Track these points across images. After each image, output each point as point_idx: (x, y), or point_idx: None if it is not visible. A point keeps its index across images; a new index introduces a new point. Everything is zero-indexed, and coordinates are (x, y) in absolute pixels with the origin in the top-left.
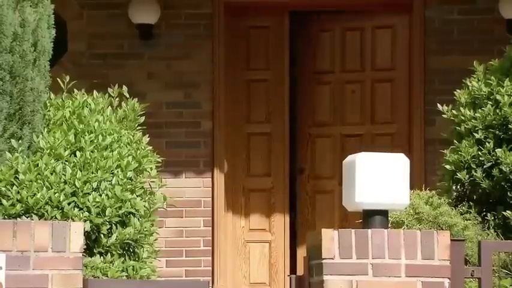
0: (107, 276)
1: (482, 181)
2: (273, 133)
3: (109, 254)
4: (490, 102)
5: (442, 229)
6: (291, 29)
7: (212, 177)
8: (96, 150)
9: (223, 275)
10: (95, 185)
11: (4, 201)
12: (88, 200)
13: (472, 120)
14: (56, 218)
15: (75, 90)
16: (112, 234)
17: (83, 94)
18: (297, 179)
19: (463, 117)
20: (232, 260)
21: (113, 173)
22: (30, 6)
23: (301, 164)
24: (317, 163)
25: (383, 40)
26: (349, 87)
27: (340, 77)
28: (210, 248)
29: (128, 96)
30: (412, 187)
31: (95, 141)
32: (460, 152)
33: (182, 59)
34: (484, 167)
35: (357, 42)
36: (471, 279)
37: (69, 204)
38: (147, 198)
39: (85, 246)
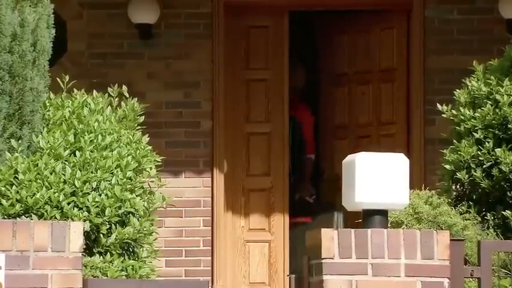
0: (107, 276)
1: (481, 181)
2: (272, 133)
3: (108, 253)
4: (490, 102)
5: (442, 229)
6: (304, 30)
7: (212, 177)
8: (95, 150)
9: (222, 275)
10: (94, 184)
11: (3, 201)
12: (87, 199)
13: (472, 120)
14: (55, 217)
15: (74, 90)
16: (111, 233)
17: (83, 94)
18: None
19: (462, 117)
20: (231, 260)
21: (112, 173)
22: (30, 6)
23: (323, 166)
24: (336, 165)
25: (383, 40)
26: (360, 89)
27: (353, 78)
28: (210, 247)
29: (127, 96)
30: (411, 187)
31: (95, 141)
32: (459, 152)
33: (182, 58)
34: (484, 166)
35: (361, 43)
36: (471, 279)
37: (68, 204)
38: (146, 198)
39: (84, 246)
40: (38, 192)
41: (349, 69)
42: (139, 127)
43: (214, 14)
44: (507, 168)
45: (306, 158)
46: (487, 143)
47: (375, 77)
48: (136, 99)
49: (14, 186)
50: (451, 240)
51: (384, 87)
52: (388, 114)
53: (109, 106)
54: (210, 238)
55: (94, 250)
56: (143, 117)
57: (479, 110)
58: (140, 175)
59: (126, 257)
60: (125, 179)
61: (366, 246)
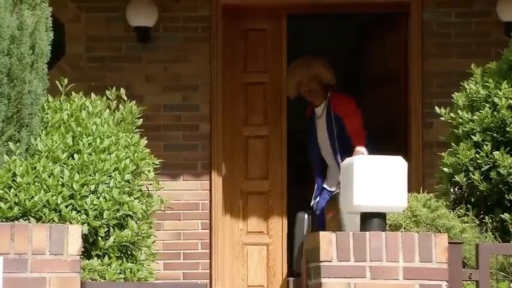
0: (105, 279)
1: (479, 184)
2: (270, 136)
3: (107, 256)
4: (488, 105)
5: (440, 232)
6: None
7: (210, 180)
8: (94, 153)
9: (221, 278)
10: (92, 187)
11: (2, 204)
12: (86, 202)
13: (470, 123)
14: (53, 220)
15: (73, 92)
16: (110, 236)
17: (81, 97)
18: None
19: (460, 120)
20: (230, 263)
21: (110, 176)
22: (28, 9)
23: None
24: None
25: (382, 43)
26: (369, 92)
27: (362, 81)
28: (208, 250)
29: (125, 98)
30: (409, 190)
31: (93, 143)
32: (457, 155)
33: (180, 61)
34: (482, 169)
35: (365, 45)
36: (469, 281)
37: (66, 207)
38: (144, 200)
39: (83, 249)
40: (36, 195)
41: (361, 73)
42: (137, 130)
43: (213, 17)
44: (505, 171)
45: (354, 151)
46: (485, 146)
47: (377, 80)
48: (134, 102)
49: (12, 189)
50: (449, 243)
51: (385, 90)
52: (387, 116)
53: (107, 109)
54: (208, 241)
55: (92, 253)
56: (141, 120)
57: (477, 113)
58: (138, 178)
59: (124, 259)
60: (123, 182)
61: (364, 249)
